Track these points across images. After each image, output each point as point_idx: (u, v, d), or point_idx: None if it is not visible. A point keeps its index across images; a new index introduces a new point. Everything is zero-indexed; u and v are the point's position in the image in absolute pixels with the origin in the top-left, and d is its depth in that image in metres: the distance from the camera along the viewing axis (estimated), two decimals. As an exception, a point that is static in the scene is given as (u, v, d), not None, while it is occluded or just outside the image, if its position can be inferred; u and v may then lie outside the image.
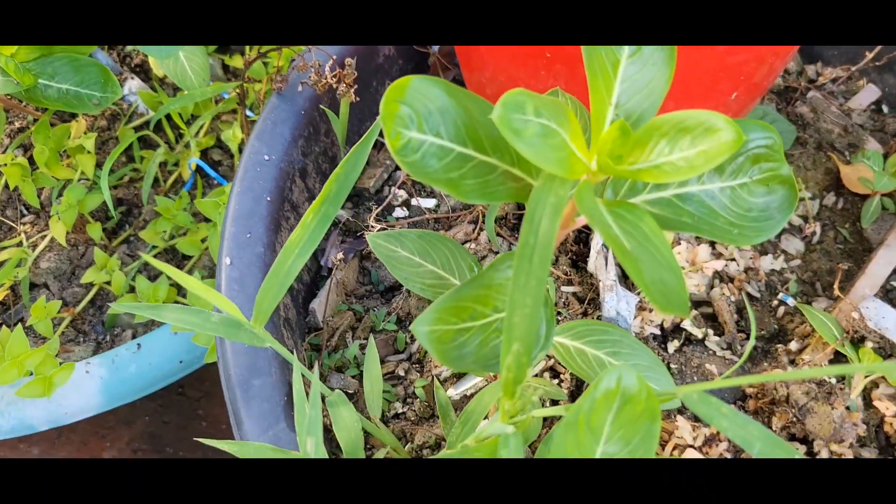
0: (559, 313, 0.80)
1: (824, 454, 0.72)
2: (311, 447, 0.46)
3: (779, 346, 0.80)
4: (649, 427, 0.49)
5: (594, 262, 0.82)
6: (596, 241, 0.83)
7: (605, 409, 0.47)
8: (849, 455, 0.72)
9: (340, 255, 0.76)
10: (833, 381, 0.72)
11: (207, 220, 0.95)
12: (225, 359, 0.70)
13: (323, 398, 0.76)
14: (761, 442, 0.50)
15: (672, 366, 0.77)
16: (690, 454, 0.69)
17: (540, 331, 0.57)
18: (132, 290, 0.92)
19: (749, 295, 0.85)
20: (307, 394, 0.61)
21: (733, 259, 0.86)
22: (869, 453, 0.73)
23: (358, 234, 0.89)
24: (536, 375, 0.77)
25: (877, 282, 0.83)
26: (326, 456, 0.54)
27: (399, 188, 0.92)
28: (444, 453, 0.50)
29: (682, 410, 0.74)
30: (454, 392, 0.76)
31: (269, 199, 0.79)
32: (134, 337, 0.91)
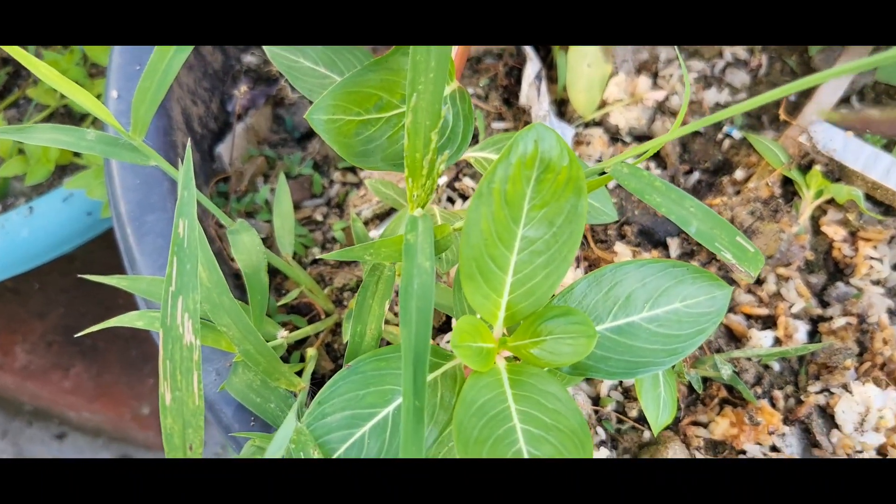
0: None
1: (771, 280, 0.68)
2: (184, 228, 0.39)
3: (724, 177, 0.75)
4: (575, 204, 0.43)
5: (526, 95, 0.75)
6: (528, 74, 0.77)
7: (522, 177, 0.41)
8: (796, 278, 0.68)
9: (244, 88, 0.68)
10: (780, 200, 0.67)
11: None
12: (115, 196, 0.63)
13: (219, 232, 0.69)
14: (698, 220, 0.45)
15: (613, 200, 0.72)
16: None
17: (456, 127, 0.51)
18: (21, 153, 0.83)
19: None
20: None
21: (675, 93, 0.81)
22: (817, 279, 0.69)
23: (269, 80, 0.80)
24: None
25: (824, 108, 0.78)
26: (215, 267, 0.47)
27: (314, 31, 0.83)
28: (340, 253, 0.44)
29: (621, 236, 0.69)
30: (376, 233, 0.70)
31: (161, 30, 0.70)
32: (28, 205, 0.83)
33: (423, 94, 0.42)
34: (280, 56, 0.58)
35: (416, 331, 0.40)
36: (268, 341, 0.57)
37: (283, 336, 0.57)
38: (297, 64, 0.59)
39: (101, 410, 1.02)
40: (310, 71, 0.59)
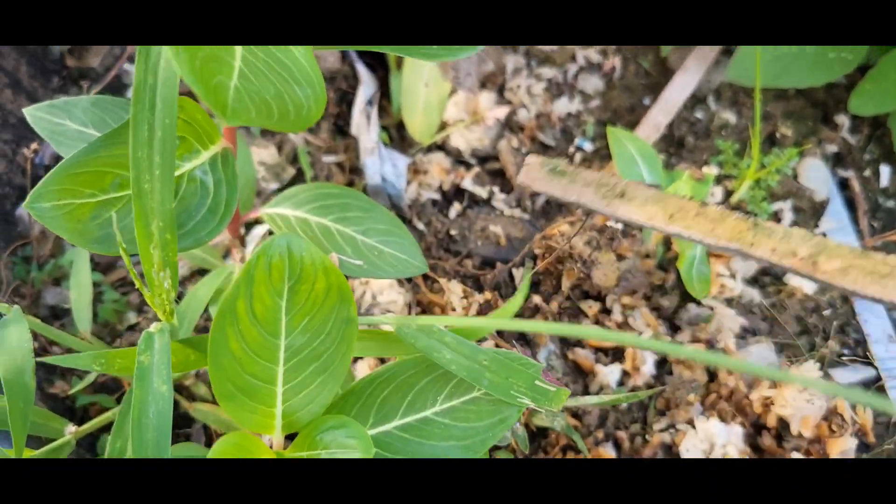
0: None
1: (616, 310, 0.65)
2: None
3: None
4: (341, 309, 0.38)
5: (356, 123, 0.70)
6: (360, 101, 0.71)
7: (271, 292, 0.36)
8: (642, 307, 0.65)
9: (35, 146, 0.61)
10: (618, 225, 0.63)
11: None
12: None
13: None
14: (492, 372, 0.41)
15: (453, 232, 0.68)
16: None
17: (218, 195, 0.45)
18: None
19: (543, 143, 0.76)
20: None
21: (524, 106, 0.76)
22: (669, 301, 0.66)
23: (82, 120, 0.73)
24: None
25: (671, 108, 0.75)
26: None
27: (132, 64, 0.76)
28: (63, 360, 0.39)
29: (458, 273, 0.65)
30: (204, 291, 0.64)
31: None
32: None
33: (152, 195, 0.37)
34: (42, 120, 0.52)
35: (152, 471, 0.36)
36: (53, 439, 0.52)
37: (70, 432, 0.52)
38: (61, 127, 0.52)
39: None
40: (76, 134, 0.53)
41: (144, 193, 0.37)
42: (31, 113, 0.52)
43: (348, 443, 0.39)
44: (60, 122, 0.52)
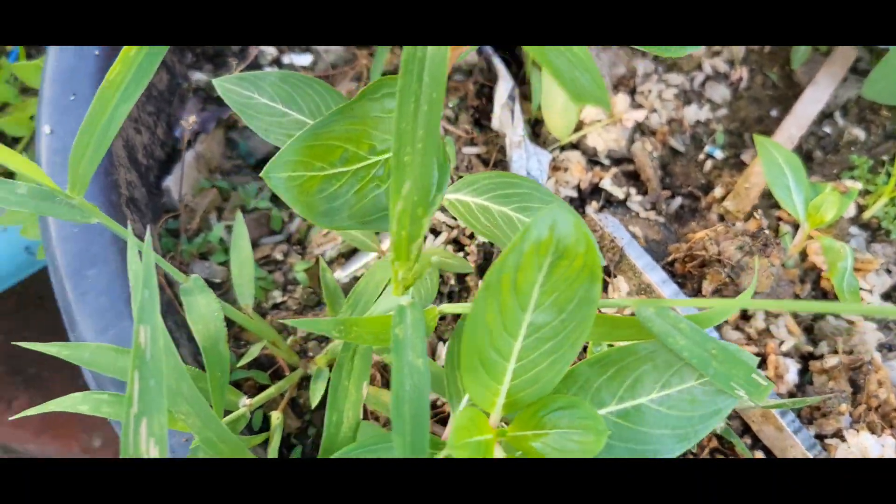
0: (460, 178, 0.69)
1: (759, 316, 0.65)
2: (146, 338, 0.34)
3: (707, 201, 0.72)
4: (588, 290, 0.38)
5: (499, 118, 0.70)
6: (500, 95, 0.72)
7: (533, 266, 0.36)
8: (786, 314, 0.65)
9: (192, 119, 0.61)
10: (767, 231, 0.64)
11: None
12: (50, 246, 0.56)
13: (173, 286, 0.63)
14: (718, 362, 0.41)
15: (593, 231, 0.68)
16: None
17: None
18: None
19: (673, 149, 0.76)
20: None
21: (655, 110, 0.77)
22: (806, 312, 0.66)
23: (220, 100, 0.74)
24: (438, 247, 0.66)
25: (803, 122, 0.75)
26: (172, 351, 0.42)
27: (269, 44, 0.77)
28: (308, 323, 0.40)
29: (607, 272, 0.65)
30: (342, 274, 0.64)
31: (97, 53, 0.63)
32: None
33: (412, 167, 0.37)
34: (232, 92, 0.53)
35: (411, 440, 0.36)
36: (229, 412, 0.52)
37: (245, 405, 0.52)
38: (251, 101, 0.53)
39: (49, 443, 0.96)
40: (265, 108, 0.53)
41: (404, 166, 0.37)
42: (220, 84, 0.52)
43: (579, 423, 0.39)
44: (250, 95, 0.52)
